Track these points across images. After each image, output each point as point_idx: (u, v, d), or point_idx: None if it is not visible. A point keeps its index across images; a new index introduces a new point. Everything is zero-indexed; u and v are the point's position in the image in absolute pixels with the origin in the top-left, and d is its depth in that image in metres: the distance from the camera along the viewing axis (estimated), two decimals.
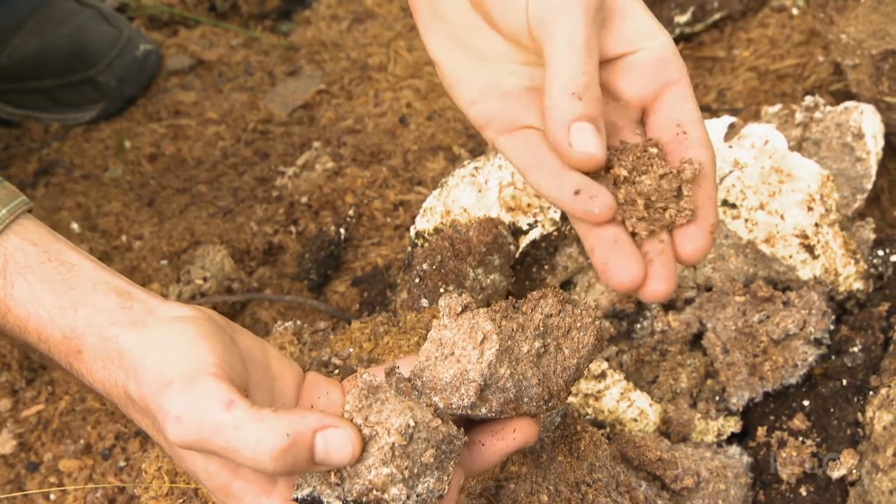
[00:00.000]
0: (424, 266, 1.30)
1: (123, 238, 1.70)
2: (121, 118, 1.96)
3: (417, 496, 0.84)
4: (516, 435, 0.90)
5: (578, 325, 0.91)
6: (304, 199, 1.69)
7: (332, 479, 0.83)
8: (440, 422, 0.84)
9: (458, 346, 0.87)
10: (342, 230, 1.61)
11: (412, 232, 1.36)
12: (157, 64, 2.01)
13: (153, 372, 0.83)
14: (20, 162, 1.90)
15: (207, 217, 1.71)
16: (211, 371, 0.82)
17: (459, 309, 0.89)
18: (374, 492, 0.82)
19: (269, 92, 1.96)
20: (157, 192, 1.80)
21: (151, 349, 0.85)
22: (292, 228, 1.66)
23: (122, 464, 1.37)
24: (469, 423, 0.91)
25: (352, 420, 0.83)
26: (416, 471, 0.83)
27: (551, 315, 0.91)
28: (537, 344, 0.89)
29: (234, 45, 2.10)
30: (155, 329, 0.87)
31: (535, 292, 0.92)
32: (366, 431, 0.83)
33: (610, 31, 0.90)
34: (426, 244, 1.32)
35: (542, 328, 0.90)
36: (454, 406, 0.87)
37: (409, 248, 1.35)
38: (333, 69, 1.97)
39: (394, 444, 0.82)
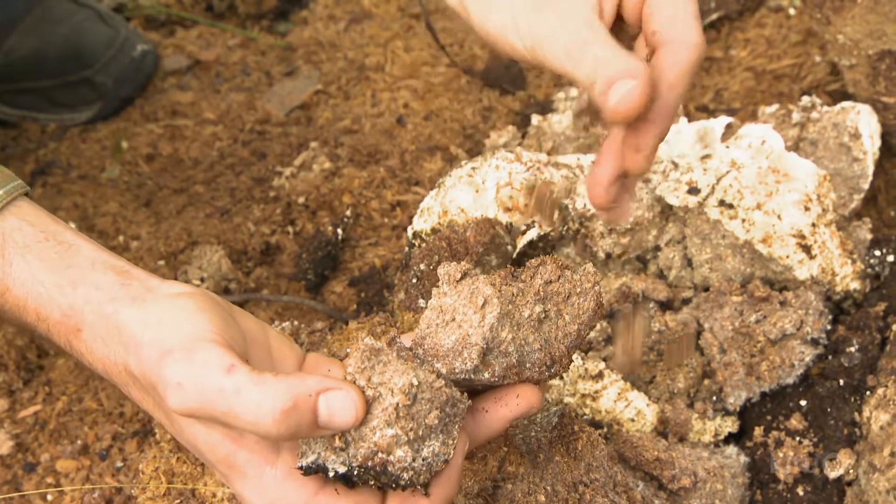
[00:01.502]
0: (422, 266, 1.30)
1: (120, 238, 1.70)
2: (118, 118, 1.96)
3: (423, 460, 0.82)
4: (520, 401, 0.90)
5: (578, 290, 0.91)
6: (301, 200, 1.69)
7: (337, 443, 0.81)
8: (443, 382, 0.83)
9: (459, 312, 0.86)
10: (339, 230, 1.61)
11: (409, 232, 1.35)
12: (153, 64, 2.01)
13: (152, 343, 0.83)
14: (17, 162, 1.89)
15: (204, 217, 1.71)
16: (211, 339, 0.82)
17: (459, 276, 0.88)
18: (380, 454, 0.81)
19: (267, 92, 1.96)
20: (154, 193, 1.80)
21: (150, 323, 0.84)
22: (289, 229, 1.66)
23: (119, 464, 1.37)
24: (472, 393, 0.90)
25: (354, 382, 0.82)
26: (420, 433, 0.82)
27: (551, 281, 0.90)
28: (538, 309, 0.89)
29: (231, 45, 2.10)
30: (154, 304, 0.86)
31: (533, 260, 0.91)
32: (369, 393, 0.81)
33: None
34: (423, 244, 1.32)
35: (542, 294, 0.89)
36: (457, 371, 0.86)
37: (407, 249, 1.35)
38: (331, 69, 1.97)
39: (398, 404, 0.80)
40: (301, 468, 0.84)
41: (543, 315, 0.89)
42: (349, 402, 0.80)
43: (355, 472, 0.82)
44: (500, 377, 0.88)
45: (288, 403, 0.77)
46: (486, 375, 0.87)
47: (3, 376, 1.49)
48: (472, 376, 0.87)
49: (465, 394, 0.86)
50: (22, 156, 1.91)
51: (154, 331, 0.84)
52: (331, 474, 0.83)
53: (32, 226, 0.93)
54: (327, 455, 0.83)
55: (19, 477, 1.39)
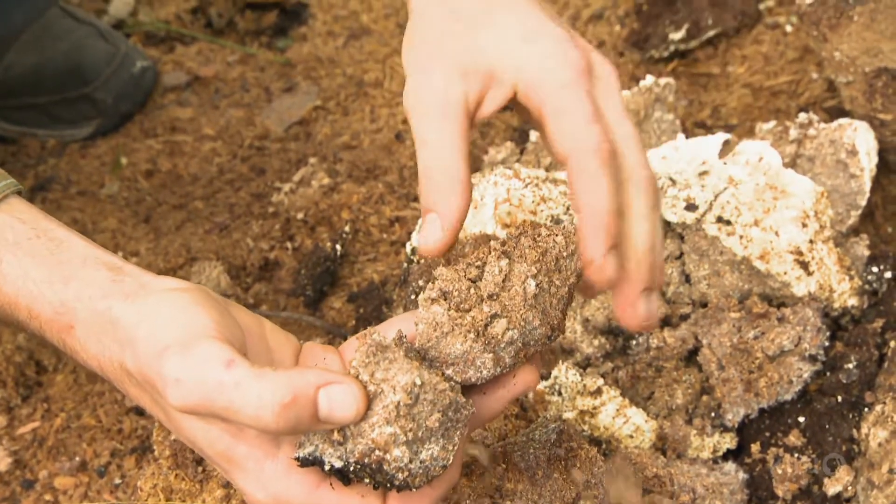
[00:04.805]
0: (420, 282, 1.30)
1: (120, 254, 1.70)
2: (117, 134, 1.97)
3: (420, 463, 0.82)
4: (517, 381, 0.89)
5: (565, 253, 0.90)
6: (300, 215, 1.69)
7: (336, 436, 0.81)
8: (448, 386, 0.82)
9: (457, 322, 0.86)
10: (338, 246, 1.62)
11: (408, 248, 1.36)
12: (153, 80, 2.02)
13: (148, 340, 0.82)
14: (16, 178, 1.88)
15: (203, 233, 1.71)
16: (208, 333, 0.81)
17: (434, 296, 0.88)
18: (377, 452, 0.80)
19: (266, 108, 1.97)
20: (153, 209, 1.80)
21: (145, 318, 0.83)
22: (288, 244, 1.67)
23: (117, 481, 1.36)
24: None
25: (357, 377, 0.81)
26: (420, 434, 0.81)
27: (543, 251, 0.89)
28: (532, 285, 0.88)
29: (230, 61, 2.11)
30: (148, 299, 0.85)
31: (512, 230, 0.90)
32: (371, 388, 0.81)
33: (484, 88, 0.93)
34: (422, 260, 1.33)
35: (534, 270, 0.88)
36: (472, 379, 0.86)
37: (405, 265, 1.36)
38: (329, 85, 1.98)
39: (399, 402, 0.79)
40: (298, 459, 0.83)
41: (538, 290, 0.88)
42: (350, 396, 0.79)
43: (351, 468, 0.82)
44: (510, 366, 0.87)
45: (287, 398, 0.77)
46: (498, 370, 0.87)
47: (1, 392, 1.49)
48: (486, 379, 0.87)
49: (471, 400, 0.85)
50: (21, 172, 1.91)
51: (149, 326, 0.82)
52: (327, 468, 0.82)
53: (23, 223, 0.93)
54: (325, 448, 0.82)
55: (17, 493, 1.39)
